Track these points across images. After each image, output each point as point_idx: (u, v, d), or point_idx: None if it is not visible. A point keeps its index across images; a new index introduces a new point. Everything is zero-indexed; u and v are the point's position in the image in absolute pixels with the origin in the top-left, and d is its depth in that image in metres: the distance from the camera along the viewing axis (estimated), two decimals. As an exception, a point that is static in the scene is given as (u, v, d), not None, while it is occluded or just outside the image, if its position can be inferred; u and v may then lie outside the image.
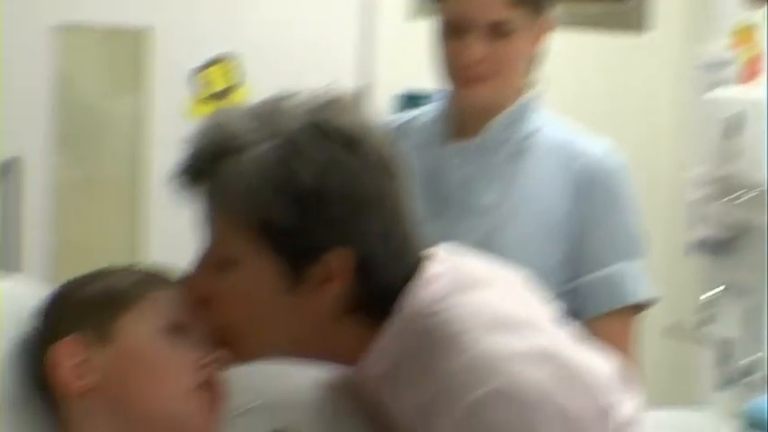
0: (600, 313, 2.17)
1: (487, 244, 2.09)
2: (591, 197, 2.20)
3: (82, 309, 1.53)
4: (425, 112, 2.38)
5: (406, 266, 1.47)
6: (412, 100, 3.63)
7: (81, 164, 3.59)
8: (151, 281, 1.55)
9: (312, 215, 1.41)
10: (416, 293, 1.45)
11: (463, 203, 2.21)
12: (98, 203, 3.57)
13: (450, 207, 2.21)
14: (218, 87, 3.60)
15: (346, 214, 1.42)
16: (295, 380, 1.61)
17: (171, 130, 3.47)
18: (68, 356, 1.48)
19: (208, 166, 1.45)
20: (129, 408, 1.47)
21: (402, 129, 2.33)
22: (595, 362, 1.45)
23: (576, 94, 3.88)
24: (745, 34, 3.82)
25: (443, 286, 1.46)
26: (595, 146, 2.25)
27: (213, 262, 1.48)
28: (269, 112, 1.46)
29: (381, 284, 1.45)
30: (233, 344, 1.50)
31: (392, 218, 1.47)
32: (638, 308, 2.23)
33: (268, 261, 1.43)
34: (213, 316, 1.49)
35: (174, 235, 3.24)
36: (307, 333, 1.46)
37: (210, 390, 1.48)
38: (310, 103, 1.47)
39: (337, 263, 1.43)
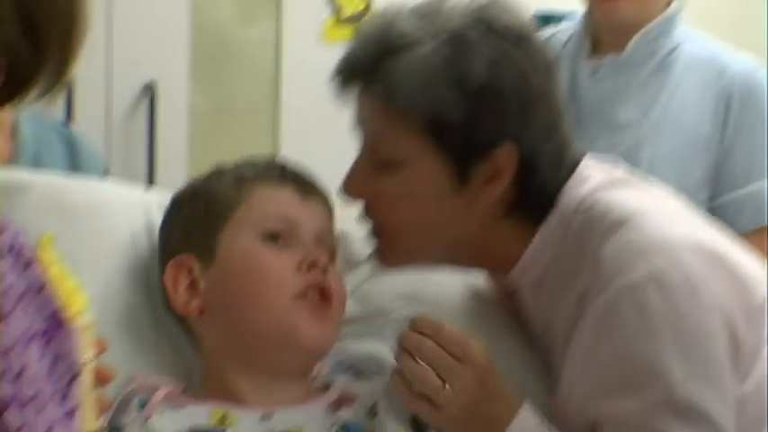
0: (743, 231, 2.14)
1: (627, 161, 2.07)
2: (736, 114, 2.16)
3: (187, 227, 1.53)
4: (562, 29, 2.36)
5: (565, 167, 1.47)
6: (545, 20, 3.58)
7: (217, 88, 3.64)
8: (253, 177, 1.52)
9: (483, 110, 1.41)
10: (573, 191, 1.45)
11: (602, 120, 2.19)
12: (234, 127, 3.61)
13: (589, 124, 2.19)
14: (353, 10, 3.61)
15: (515, 110, 1.42)
16: (445, 288, 1.61)
17: (306, 53, 3.50)
18: (179, 278, 1.50)
19: (375, 64, 1.44)
20: (238, 323, 1.46)
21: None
22: (750, 262, 1.43)
23: (709, 8, 3.80)
24: None
25: (599, 183, 1.46)
26: (739, 62, 2.21)
27: (374, 163, 1.47)
28: (433, 11, 1.45)
29: (542, 184, 1.45)
30: (389, 247, 1.50)
31: (554, 117, 1.46)
32: (784, 227, 2.19)
33: (435, 160, 1.43)
34: (372, 219, 1.49)
35: (307, 158, 3.29)
36: (467, 234, 1.47)
37: (318, 294, 1.46)
38: (472, 3, 1.46)
39: (505, 159, 1.42)
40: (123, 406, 1.43)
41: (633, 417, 1.32)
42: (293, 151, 3.54)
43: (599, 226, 1.40)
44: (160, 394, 1.44)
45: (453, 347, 1.40)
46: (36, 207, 1.56)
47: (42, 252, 1.07)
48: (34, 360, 0.81)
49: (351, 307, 1.56)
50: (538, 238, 1.45)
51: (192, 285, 1.49)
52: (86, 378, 1.10)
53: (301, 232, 1.49)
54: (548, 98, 1.45)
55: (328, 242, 1.51)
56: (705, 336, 1.33)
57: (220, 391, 1.47)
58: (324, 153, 3.48)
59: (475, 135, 1.41)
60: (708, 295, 1.34)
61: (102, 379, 1.14)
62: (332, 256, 1.51)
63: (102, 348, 1.14)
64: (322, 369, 1.54)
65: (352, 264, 1.64)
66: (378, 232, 1.50)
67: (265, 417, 1.43)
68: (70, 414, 0.84)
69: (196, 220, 1.52)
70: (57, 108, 3.29)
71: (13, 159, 1.88)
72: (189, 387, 1.50)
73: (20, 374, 0.80)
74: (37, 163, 1.90)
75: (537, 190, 1.44)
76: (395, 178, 1.45)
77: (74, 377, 0.85)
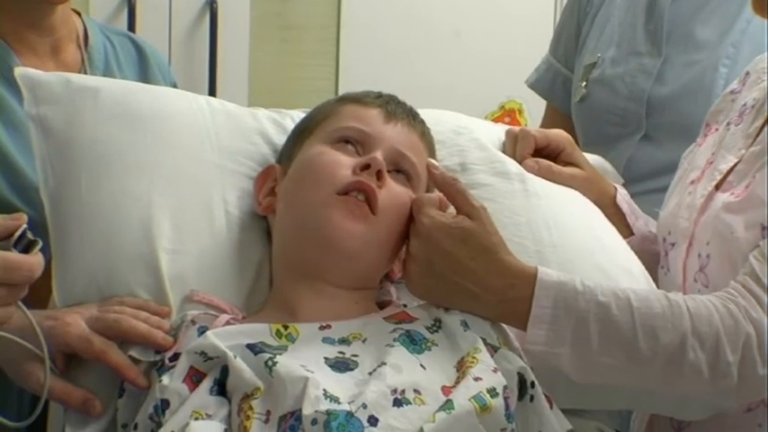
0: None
1: (704, 80, 2.06)
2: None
3: (288, 139, 1.62)
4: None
5: None
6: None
7: (278, 4, 3.60)
8: (352, 98, 1.60)
9: None
10: None
11: (681, 38, 2.12)
12: (295, 44, 3.58)
13: (666, 42, 2.13)
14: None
15: None
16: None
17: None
18: (264, 185, 1.59)
19: None
20: (288, 219, 1.52)
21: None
22: None
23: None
24: None
25: None
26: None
27: None
28: None
29: None
30: None
31: None
32: None
33: None
34: None
35: (367, 75, 3.27)
36: None
37: (364, 196, 1.47)
38: None
39: None
40: (184, 333, 1.44)
41: None
42: (354, 68, 3.52)
43: None
44: (220, 322, 1.45)
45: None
46: (103, 112, 1.57)
47: None
48: None
49: None
50: None
51: (273, 191, 1.58)
52: None
53: (376, 145, 1.52)
54: None
55: (403, 163, 1.54)
56: None
57: (279, 309, 1.49)
58: (384, 70, 3.46)
59: None
60: None
61: None
62: (408, 178, 1.54)
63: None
64: (387, 289, 1.57)
65: None
66: None
67: (323, 327, 1.45)
68: None
69: (293, 132, 1.61)
70: (119, 25, 3.28)
71: (84, 67, 1.88)
72: (249, 314, 1.52)
73: None
74: (107, 71, 1.90)
75: None
76: None
77: None
